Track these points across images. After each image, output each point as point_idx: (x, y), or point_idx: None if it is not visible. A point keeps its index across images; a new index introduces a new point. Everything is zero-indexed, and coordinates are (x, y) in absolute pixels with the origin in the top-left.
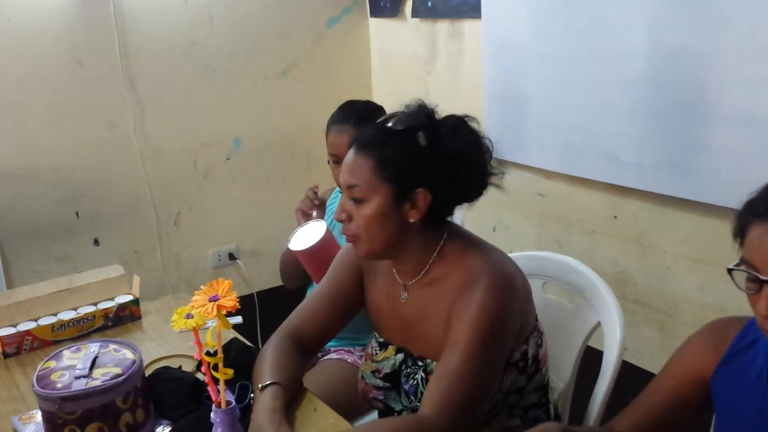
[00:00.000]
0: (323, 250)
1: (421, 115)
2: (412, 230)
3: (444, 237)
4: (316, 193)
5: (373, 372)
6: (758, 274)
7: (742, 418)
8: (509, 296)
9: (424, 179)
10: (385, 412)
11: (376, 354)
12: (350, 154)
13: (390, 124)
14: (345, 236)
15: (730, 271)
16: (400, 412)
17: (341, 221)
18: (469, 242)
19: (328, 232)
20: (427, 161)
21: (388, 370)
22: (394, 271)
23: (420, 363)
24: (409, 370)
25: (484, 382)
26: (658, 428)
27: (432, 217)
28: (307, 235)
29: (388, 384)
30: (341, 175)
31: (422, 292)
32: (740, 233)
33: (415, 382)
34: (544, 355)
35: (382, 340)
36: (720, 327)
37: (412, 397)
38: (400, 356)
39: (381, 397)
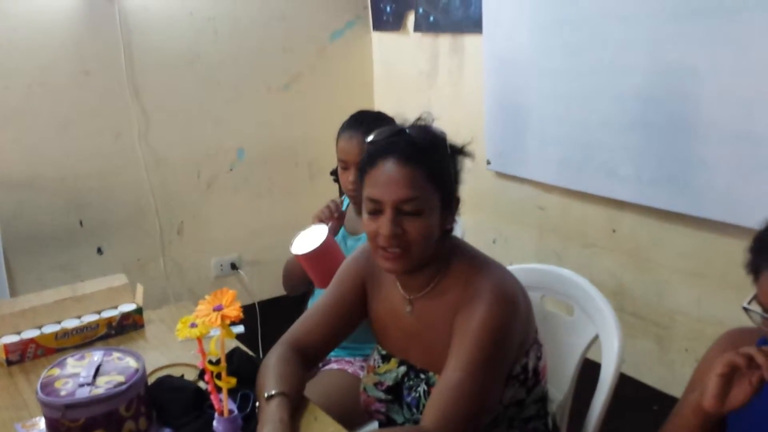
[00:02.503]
0: (325, 254)
1: (430, 126)
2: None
3: (449, 251)
4: (337, 206)
5: (375, 384)
6: None
7: None
8: (511, 312)
9: (455, 185)
10: (387, 424)
11: (379, 366)
12: (395, 168)
13: (425, 135)
14: (385, 253)
15: (745, 310)
16: (402, 425)
17: (394, 237)
18: (473, 257)
19: (330, 235)
20: (453, 168)
21: (390, 383)
22: (399, 284)
23: (422, 376)
24: (411, 383)
25: (485, 397)
26: None
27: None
28: (309, 239)
29: (390, 396)
30: (385, 192)
31: (426, 306)
32: (754, 271)
33: (417, 394)
34: (544, 367)
35: (384, 352)
36: (735, 338)
37: (414, 410)
38: (403, 369)
39: (383, 410)
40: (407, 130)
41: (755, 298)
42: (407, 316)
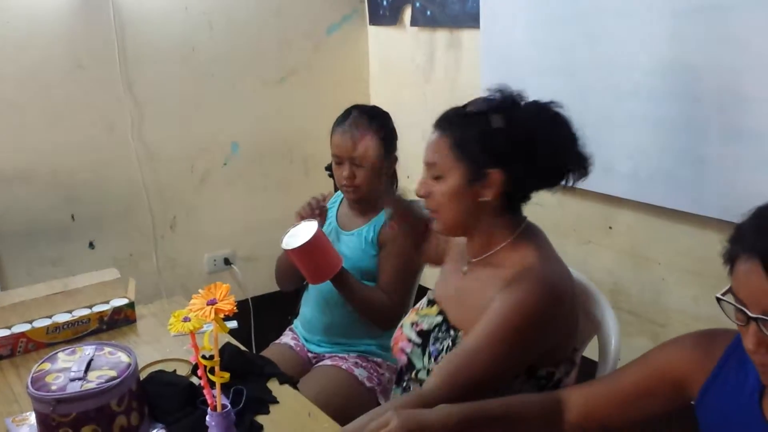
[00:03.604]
0: (315, 249)
1: (498, 99)
2: (486, 211)
3: (519, 231)
4: (318, 202)
5: (412, 324)
6: (746, 311)
7: None
8: (551, 305)
9: (498, 160)
10: (407, 366)
11: (422, 308)
12: (432, 135)
13: (468, 108)
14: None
15: (718, 300)
16: (418, 372)
17: (420, 197)
18: (541, 244)
19: (320, 231)
20: (501, 142)
21: (424, 327)
22: (466, 245)
23: (452, 332)
24: (440, 335)
25: (496, 371)
26: (611, 410)
27: (510, 199)
28: (299, 235)
29: (419, 340)
30: (425, 153)
31: (481, 271)
32: (730, 260)
33: (441, 347)
34: (568, 386)
35: (432, 297)
36: (710, 339)
37: (432, 360)
38: (439, 318)
39: (408, 350)
40: (468, 104)
41: (730, 289)
42: (462, 276)
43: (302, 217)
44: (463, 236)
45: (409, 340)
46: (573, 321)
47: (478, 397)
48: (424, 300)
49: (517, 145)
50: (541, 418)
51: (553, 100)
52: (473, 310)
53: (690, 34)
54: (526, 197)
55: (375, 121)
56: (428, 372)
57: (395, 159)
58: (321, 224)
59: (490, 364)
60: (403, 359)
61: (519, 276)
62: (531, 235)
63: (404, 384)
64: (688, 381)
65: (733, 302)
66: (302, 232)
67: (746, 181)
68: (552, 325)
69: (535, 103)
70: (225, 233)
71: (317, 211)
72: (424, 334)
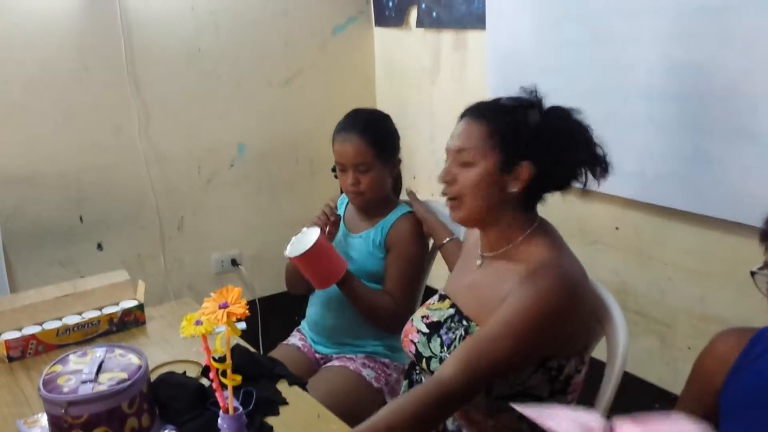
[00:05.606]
0: (318, 255)
1: (532, 98)
2: (507, 204)
3: (533, 227)
4: (333, 211)
5: (422, 317)
6: None
7: (752, 428)
8: (569, 297)
9: (531, 153)
10: (415, 357)
11: (433, 303)
12: (462, 123)
13: (504, 101)
14: (448, 202)
15: (753, 274)
16: (428, 359)
17: (445, 183)
18: (555, 240)
19: (322, 237)
20: (536, 137)
21: (435, 318)
22: (480, 241)
23: (464, 322)
24: (453, 325)
25: (513, 359)
26: None
27: (529, 195)
28: (302, 242)
29: (427, 330)
30: (449, 140)
31: (495, 266)
32: (764, 239)
33: (454, 336)
34: (576, 384)
35: (443, 293)
36: (733, 334)
37: (445, 348)
38: (451, 311)
39: (417, 341)
40: (502, 98)
41: (765, 265)
42: (475, 270)
43: (317, 225)
44: (479, 228)
45: (418, 331)
46: (586, 314)
47: (494, 380)
48: (436, 296)
49: (548, 142)
50: None
51: (574, 108)
52: (487, 302)
53: (696, 34)
54: (542, 196)
55: (375, 125)
56: (440, 360)
57: (399, 161)
58: (336, 231)
59: (510, 352)
60: (412, 349)
61: (536, 270)
62: (545, 231)
63: (414, 377)
64: (718, 375)
65: (763, 274)
66: (305, 239)
67: (753, 181)
68: (568, 316)
69: (561, 108)
70: (232, 234)
71: (332, 218)
72: (433, 326)
